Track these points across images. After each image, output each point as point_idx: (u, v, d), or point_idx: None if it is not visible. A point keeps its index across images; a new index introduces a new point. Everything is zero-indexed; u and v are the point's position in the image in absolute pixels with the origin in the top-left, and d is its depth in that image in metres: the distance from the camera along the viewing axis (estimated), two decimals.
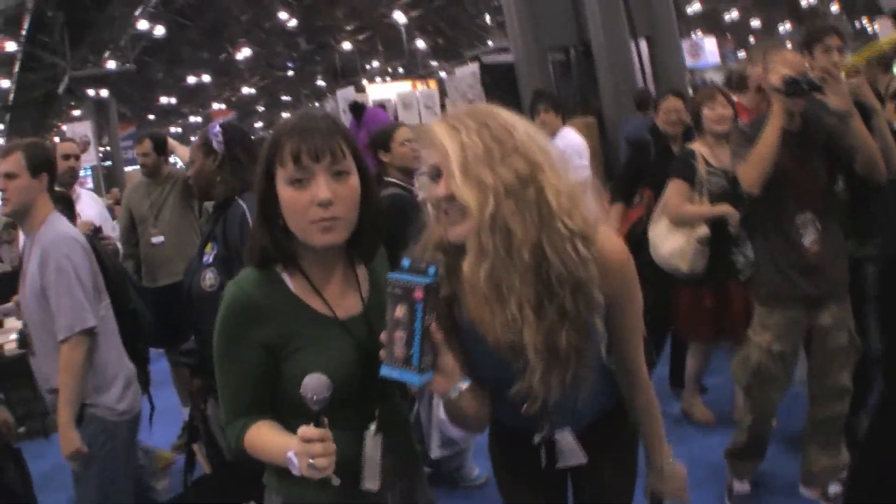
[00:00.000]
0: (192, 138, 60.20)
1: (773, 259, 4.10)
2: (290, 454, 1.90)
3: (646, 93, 9.36)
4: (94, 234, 5.42)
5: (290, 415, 2.07)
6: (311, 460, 1.83)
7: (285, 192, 2.01)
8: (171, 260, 6.18)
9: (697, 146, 4.97)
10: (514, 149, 1.91)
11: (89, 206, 6.06)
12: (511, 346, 1.94)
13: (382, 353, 1.92)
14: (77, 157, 6.31)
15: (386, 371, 1.91)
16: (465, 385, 2.01)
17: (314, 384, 1.84)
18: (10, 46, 24.09)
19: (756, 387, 4.17)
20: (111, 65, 25.18)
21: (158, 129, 6.09)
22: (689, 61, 21.07)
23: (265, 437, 2.08)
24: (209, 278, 3.57)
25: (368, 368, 2.04)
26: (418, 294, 1.84)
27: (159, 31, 27.10)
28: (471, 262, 1.90)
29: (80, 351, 3.58)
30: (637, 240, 5.35)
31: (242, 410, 2.13)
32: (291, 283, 2.13)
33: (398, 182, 4.66)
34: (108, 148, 26.25)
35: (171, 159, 6.62)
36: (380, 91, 19.77)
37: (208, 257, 3.64)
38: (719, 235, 4.87)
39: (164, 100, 39.25)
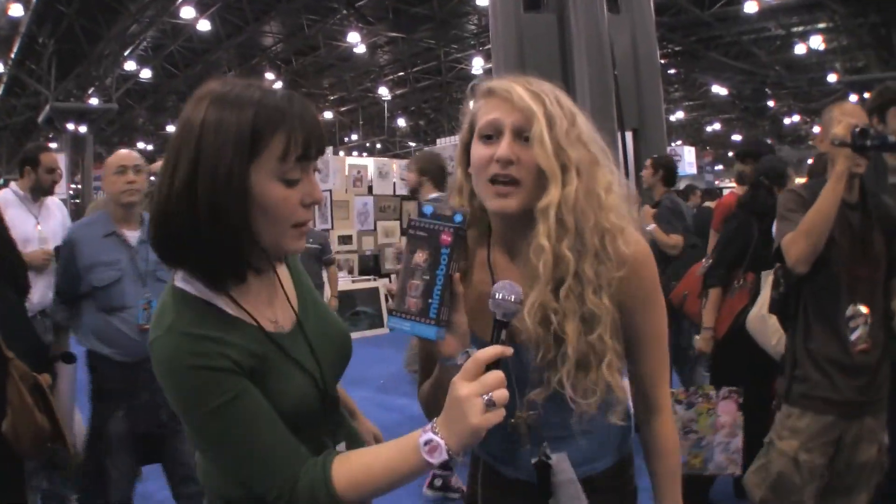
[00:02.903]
0: None
1: (813, 354, 3.55)
2: (431, 434, 1.59)
3: (690, 186, 9.30)
4: (56, 254, 5.37)
5: None
6: (489, 396, 1.55)
7: (273, 191, 1.68)
8: None
9: None
10: (578, 136, 1.88)
11: (55, 216, 5.93)
12: (542, 336, 1.86)
13: (392, 303, 1.73)
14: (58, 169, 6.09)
15: (395, 322, 1.71)
16: (473, 350, 1.70)
17: (506, 285, 1.68)
18: None
19: (773, 501, 3.62)
20: (93, 101, 25.10)
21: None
22: None
23: (362, 460, 1.71)
24: None
25: (321, 379, 1.88)
26: (446, 238, 1.69)
27: (146, 74, 27.14)
28: (548, 234, 1.81)
29: None
30: (742, 330, 4.65)
31: (295, 455, 1.70)
32: (223, 305, 1.76)
33: None
34: (80, 186, 26.02)
35: None
36: (356, 161, 19.84)
37: None
38: None
39: (141, 145, 39.07)
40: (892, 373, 3.64)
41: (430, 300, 1.69)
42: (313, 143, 1.72)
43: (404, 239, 1.72)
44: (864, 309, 3.48)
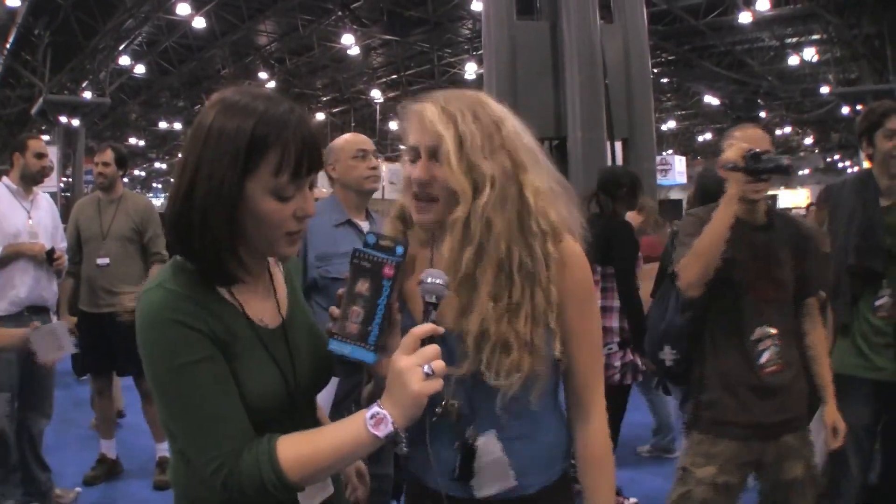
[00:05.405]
0: (155, 184, 60.04)
1: (723, 377, 3.48)
2: (376, 408, 1.67)
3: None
4: (48, 256, 5.39)
5: None
6: (428, 367, 1.66)
7: (265, 204, 1.74)
8: (113, 285, 6.04)
9: None
10: (501, 144, 1.98)
11: (45, 210, 5.92)
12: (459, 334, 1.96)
13: (332, 326, 1.80)
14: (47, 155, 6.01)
15: (335, 346, 1.80)
16: None
17: (434, 272, 1.82)
18: None
19: None
20: (87, 95, 25.10)
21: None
22: (657, 177, 21.33)
23: (309, 437, 1.76)
24: None
25: (294, 382, 1.93)
26: (389, 271, 1.80)
27: (140, 69, 27.19)
28: (453, 246, 1.94)
29: None
30: None
31: (246, 432, 1.74)
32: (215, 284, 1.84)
33: None
34: (71, 179, 26.04)
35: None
36: None
37: None
38: None
39: (132, 140, 39.12)
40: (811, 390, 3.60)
41: (370, 327, 1.79)
42: (306, 161, 1.76)
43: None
44: (771, 330, 3.43)
